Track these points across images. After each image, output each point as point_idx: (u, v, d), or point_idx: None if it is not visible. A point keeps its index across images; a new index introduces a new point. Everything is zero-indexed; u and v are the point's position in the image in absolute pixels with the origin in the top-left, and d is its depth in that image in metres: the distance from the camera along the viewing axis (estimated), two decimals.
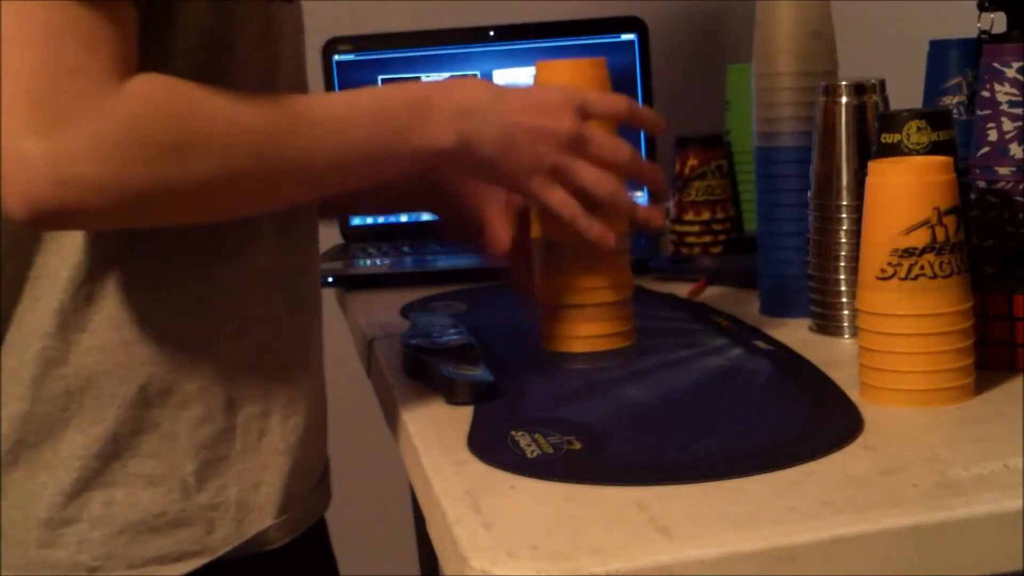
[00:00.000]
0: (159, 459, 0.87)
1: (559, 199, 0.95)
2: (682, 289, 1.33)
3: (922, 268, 0.87)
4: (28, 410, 0.86)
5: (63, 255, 0.85)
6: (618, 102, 0.98)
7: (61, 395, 0.86)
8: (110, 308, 0.86)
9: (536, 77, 1.04)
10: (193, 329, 0.88)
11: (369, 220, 1.70)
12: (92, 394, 0.86)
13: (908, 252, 0.87)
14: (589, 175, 0.95)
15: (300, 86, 0.95)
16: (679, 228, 1.50)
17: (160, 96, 0.79)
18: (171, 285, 0.87)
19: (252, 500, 0.90)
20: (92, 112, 0.76)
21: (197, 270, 0.88)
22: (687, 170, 1.49)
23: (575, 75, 1.01)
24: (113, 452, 0.87)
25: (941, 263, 0.87)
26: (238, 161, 0.81)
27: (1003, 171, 1.03)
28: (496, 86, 0.94)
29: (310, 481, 0.97)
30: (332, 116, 0.86)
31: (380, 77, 1.67)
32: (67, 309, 0.85)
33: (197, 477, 0.88)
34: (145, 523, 0.87)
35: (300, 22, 0.97)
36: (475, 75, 1.67)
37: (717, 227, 1.49)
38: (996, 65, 1.04)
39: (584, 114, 0.94)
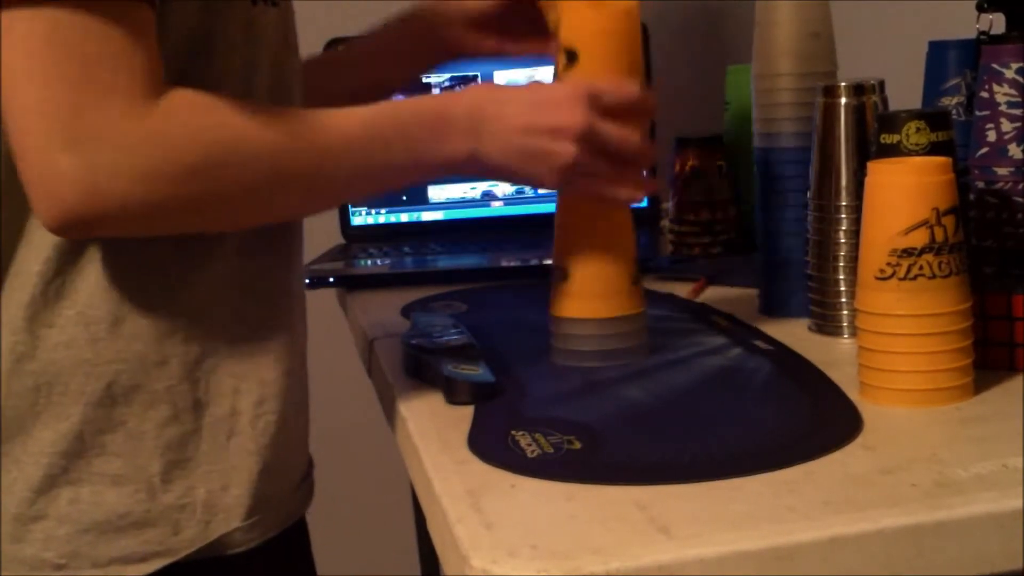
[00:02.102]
0: (125, 458, 0.87)
1: (581, 189, 0.98)
2: (682, 289, 1.33)
3: (921, 268, 0.88)
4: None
5: (36, 250, 0.86)
6: (629, 93, 0.97)
7: (30, 390, 0.86)
8: (79, 304, 0.86)
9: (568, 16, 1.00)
10: (161, 328, 0.88)
11: (370, 220, 1.70)
12: (59, 390, 0.86)
13: (907, 252, 0.88)
14: (605, 170, 0.96)
15: (282, 88, 0.95)
16: (679, 228, 1.51)
17: (189, 115, 0.82)
18: (140, 284, 0.88)
19: (219, 502, 0.90)
20: (124, 129, 0.79)
21: (167, 270, 0.88)
22: (687, 170, 1.50)
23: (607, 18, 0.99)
24: (79, 450, 0.87)
25: (940, 263, 0.88)
26: (260, 179, 0.85)
27: (1002, 171, 1.03)
28: (504, 90, 0.95)
29: (286, 483, 0.96)
30: (351, 136, 0.89)
31: None
32: (36, 304, 0.86)
33: (163, 478, 0.88)
34: (110, 523, 0.87)
35: (289, 25, 0.96)
36: (476, 77, 1.67)
37: (717, 227, 1.49)
38: (995, 66, 1.04)
39: (595, 104, 0.94)
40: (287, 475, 0.96)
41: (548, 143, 0.93)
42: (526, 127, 0.93)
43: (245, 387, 0.92)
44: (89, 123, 0.78)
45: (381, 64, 1.18)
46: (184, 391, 0.89)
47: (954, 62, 1.23)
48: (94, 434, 0.87)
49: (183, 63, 0.85)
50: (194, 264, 0.89)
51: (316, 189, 0.90)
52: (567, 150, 0.93)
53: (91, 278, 0.86)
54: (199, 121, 0.82)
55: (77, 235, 0.84)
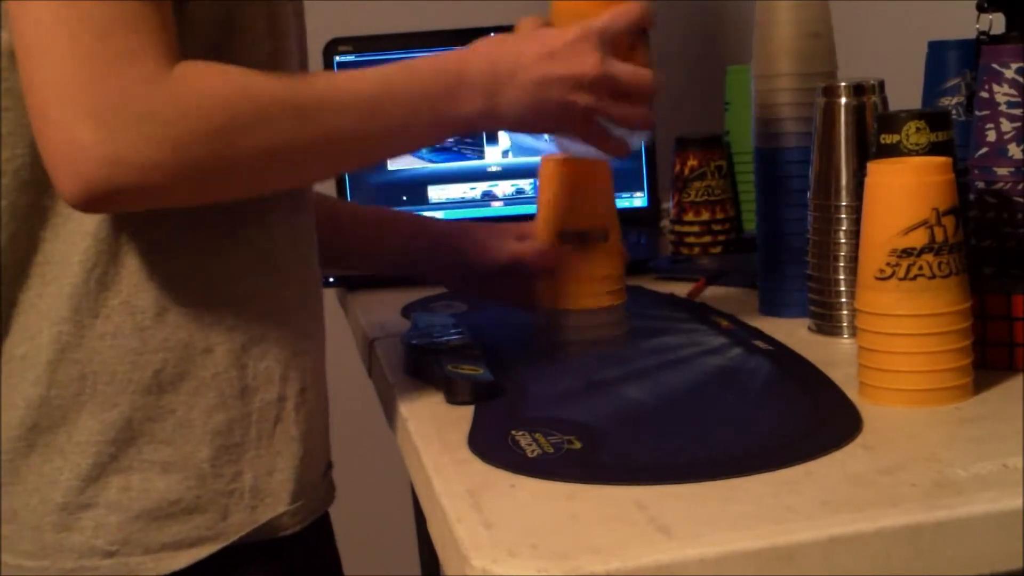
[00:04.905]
0: (174, 446, 0.88)
1: (592, 137, 0.98)
2: (682, 289, 1.33)
3: (921, 268, 0.88)
4: (43, 394, 0.87)
5: (72, 241, 0.86)
6: (630, 11, 0.98)
7: (75, 380, 0.87)
8: (124, 294, 0.87)
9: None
10: (205, 316, 0.89)
11: None
12: (105, 379, 0.87)
13: (907, 252, 0.88)
14: (619, 112, 0.97)
15: None
16: (679, 228, 1.51)
17: (208, 79, 0.82)
18: (184, 272, 0.88)
19: (266, 486, 0.91)
20: (144, 95, 0.79)
21: (210, 258, 0.89)
22: (687, 171, 1.50)
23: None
24: (128, 437, 0.87)
25: (940, 263, 0.88)
26: (284, 137, 0.84)
27: (1001, 172, 1.03)
28: (517, 41, 0.95)
29: (318, 471, 0.97)
30: (370, 92, 0.89)
31: None
32: (80, 294, 0.86)
33: (212, 463, 0.89)
34: (160, 509, 0.88)
35: (302, 20, 0.97)
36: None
37: (717, 227, 1.49)
38: (995, 66, 1.04)
39: (603, 41, 0.95)
40: (319, 463, 0.97)
41: (566, 93, 0.94)
42: (542, 79, 0.93)
43: (292, 374, 0.92)
44: (107, 92, 0.78)
45: (375, 253, 1.20)
46: (231, 378, 0.89)
47: (954, 62, 1.23)
48: (143, 422, 0.87)
49: (208, 55, 0.85)
50: (238, 251, 0.90)
51: (341, 149, 0.89)
52: (584, 98, 0.94)
53: (133, 267, 0.87)
54: (217, 85, 0.82)
55: (103, 209, 0.84)
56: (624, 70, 0.96)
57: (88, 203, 0.80)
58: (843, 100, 1.08)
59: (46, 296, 0.87)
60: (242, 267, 0.90)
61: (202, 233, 0.88)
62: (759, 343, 1.08)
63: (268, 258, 0.91)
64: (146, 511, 0.87)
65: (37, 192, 0.86)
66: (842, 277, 1.08)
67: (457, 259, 1.16)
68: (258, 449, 0.91)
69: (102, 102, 0.77)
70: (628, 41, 0.98)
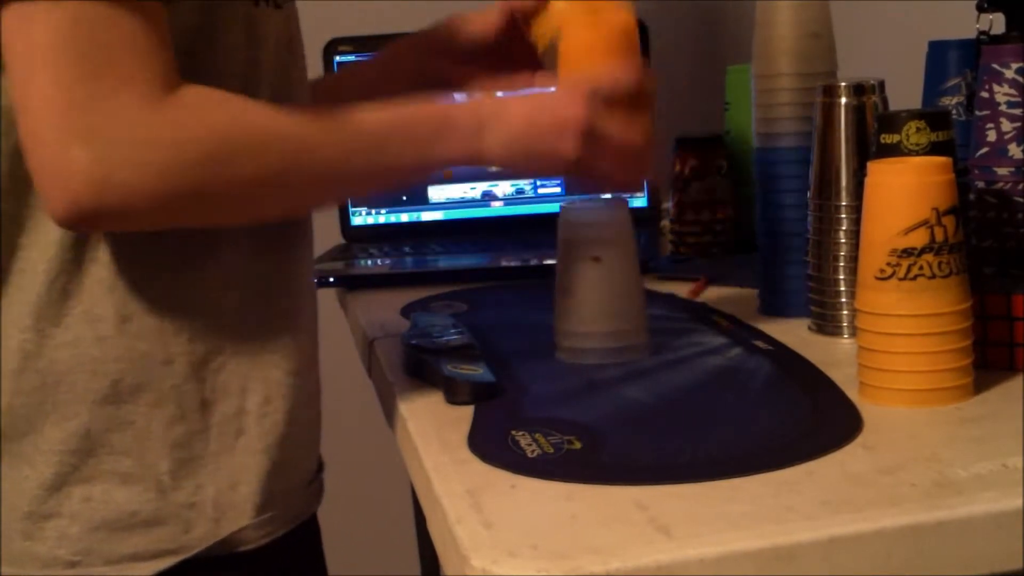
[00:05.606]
0: (133, 457, 0.88)
1: (590, 186, 1.01)
2: (682, 289, 1.33)
3: (921, 268, 0.88)
4: (9, 403, 0.87)
5: (41, 249, 0.86)
6: (627, 81, 0.97)
7: (37, 388, 0.87)
8: (85, 303, 0.86)
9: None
10: (167, 327, 0.88)
11: (370, 220, 1.70)
12: (65, 388, 0.87)
13: (907, 252, 0.88)
14: (608, 166, 0.96)
15: (285, 92, 0.95)
16: (679, 228, 1.51)
17: (203, 106, 0.82)
18: (146, 282, 0.88)
19: (229, 500, 0.90)
20: (138, 121, 0.79)
21: (173, 269, 0.89)
22: (687, 170, 1.50)
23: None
24: (88, 448, 0.87)
25: (940, 263, 0.88)
26: (275, 171, 0.85)
27: (1002, 171, 1.03)
28: (507, 98, 0.96)
29: (295, 481, 0.97)
30: (366, 132, 0.90)
31: None
32: (43, 302, 0.86)
33: (172, 476, 0.88)
34: (121, 521, 0.87)
35: (293, 30, 0.96)
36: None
37: (717, 227, 1.50)
38: (995, 66, 1.04)
39: (596, 98, 0.94)
40: (297, 473, 0.97)
41: (551, 140, 0.94)
42: (528, 125, 0.94)
43: (251, 386, 0.92)
44: (103, 114, 0.78)
45: (377, 96, 1.17)
46: (190, 390, 0.89)
47: (954, 62, 1.23)
48: (102, 432, 0.87)
49: (184, 61, 0.85)
50: (201, 263, 0.89)
51: (326, 184, 0.90)
52: (569, 146, 0.94)
53: (96, 276, 0.86)
54: (213, 112, 0.83)
55: (87, 228, 0.84)
56: (613, 125, 0.95)
57: (75, 223, 0.81)
58: (843, 100, 1.08)
59: (15, 303, 0.87)
60: (207, 279, 0.90)
61: (167, 246, 0.88)
62: (759, 343, 1.08)
63: (236, 272, 0.91)
64: (107, 522, 0.87)
65: (15, 201, 0.85)
66: (842, 277, 1.08)
67: (457, 42, 1.13)
68: (219, 462, 0.90)
69: (96, 124, 0.78)
70: (629, 98, 0.97)
